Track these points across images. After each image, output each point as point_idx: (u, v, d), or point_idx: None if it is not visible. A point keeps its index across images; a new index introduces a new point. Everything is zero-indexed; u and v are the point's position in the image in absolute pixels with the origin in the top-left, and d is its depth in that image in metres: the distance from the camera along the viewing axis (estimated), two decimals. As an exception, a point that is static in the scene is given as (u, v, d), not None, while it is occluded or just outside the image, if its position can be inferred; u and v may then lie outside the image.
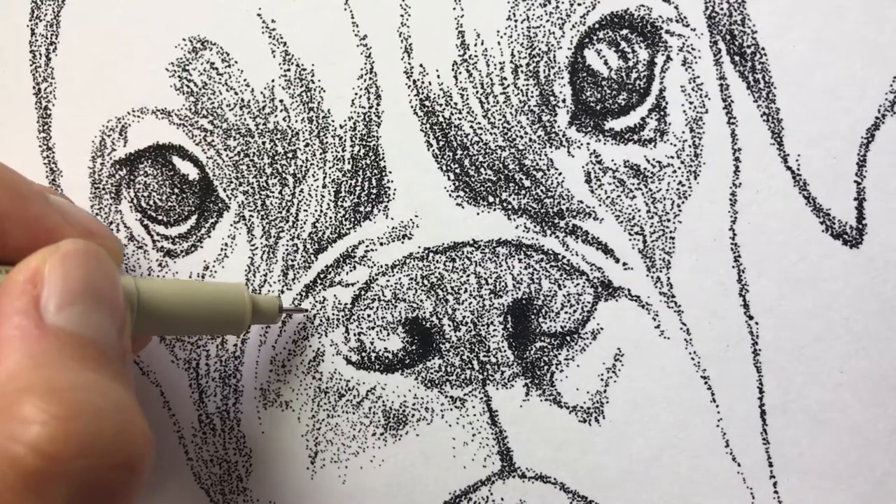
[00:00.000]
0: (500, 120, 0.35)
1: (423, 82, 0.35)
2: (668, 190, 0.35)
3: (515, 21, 0.35)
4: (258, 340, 0.36)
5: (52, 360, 0.23)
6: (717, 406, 0.34)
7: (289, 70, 0.36)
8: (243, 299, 0.32)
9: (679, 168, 0.35)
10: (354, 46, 0.36)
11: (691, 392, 0.34)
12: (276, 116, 0.36)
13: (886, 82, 0.34)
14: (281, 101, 0.36)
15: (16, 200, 0.27)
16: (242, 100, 0.36)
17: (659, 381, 0.34)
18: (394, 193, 0.35)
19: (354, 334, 0.35)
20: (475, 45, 0.35)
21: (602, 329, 0.34)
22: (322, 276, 0.36)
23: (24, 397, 0.22)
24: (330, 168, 0.36)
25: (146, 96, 0.37)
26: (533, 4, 0.35)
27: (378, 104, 0.35)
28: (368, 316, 0.35)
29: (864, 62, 0.34)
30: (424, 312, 0.34)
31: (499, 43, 0.35)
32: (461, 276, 0.34)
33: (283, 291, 0.36)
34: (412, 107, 0.35)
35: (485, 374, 0.34)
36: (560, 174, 0.35)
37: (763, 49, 0.35)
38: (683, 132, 0.35)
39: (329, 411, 0.35)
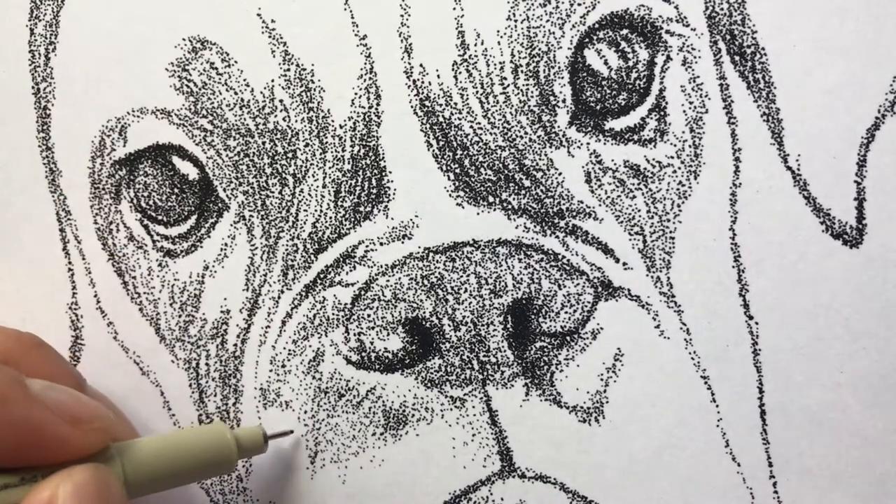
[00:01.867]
0: (500, 120, 0.35)
1: (423, 82, 0.35)
2: (668, 190, 0.35)
3: (515, 21, 0.35)
4: (258, 340, 0.36)
5: None
6: (717, 406, 0.34)
7: (289, 70, 0.36)
8: (227, 441, 0.33)
9: (679, 168, 0.35)
10: (354, 46, 0.36)
11: (691, 392, 0.34)
12: (275, 116, 0.36)
13: (886, 82, 0.34)
14: (281, 101, 0.36)
15: None
16: (242, 100, 0.36)
17: (659, 381, 0.34)
18: (394, 193, 0.35)
19: (354, 334, 0.35)
20: (475, 45, 0.35)
21: (602, 329, 0.34)
22: (322, 276, 0.35)
23: None
24: (330, 168, 0.36)
25: (146, 96, 0.37)
26: (533, 4, 0.35)
27: (378, 104, 0.35)
28: (368, 316, 0.35)
29: (864, 62, 0.34)
30: (424, 312, 0.34)
31: (499, 43, 0.35)
32: (461, 276, 0.34)
33: (283, 291, 0.36)
34: (412, 107, 0.35)
35: (485, 374, 0.34)
36: (560, 174, 0.35)
37: (763, 49, 0.35)
38: (683, 132, 0.35)
39: (329, 411, 0.35)
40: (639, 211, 0.35)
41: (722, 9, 0.35)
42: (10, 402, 0.27)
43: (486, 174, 0.35)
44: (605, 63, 0.35)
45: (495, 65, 0.35)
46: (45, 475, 0.27)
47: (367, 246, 0.35)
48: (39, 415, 0.27)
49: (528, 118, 0.35)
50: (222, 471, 0.33)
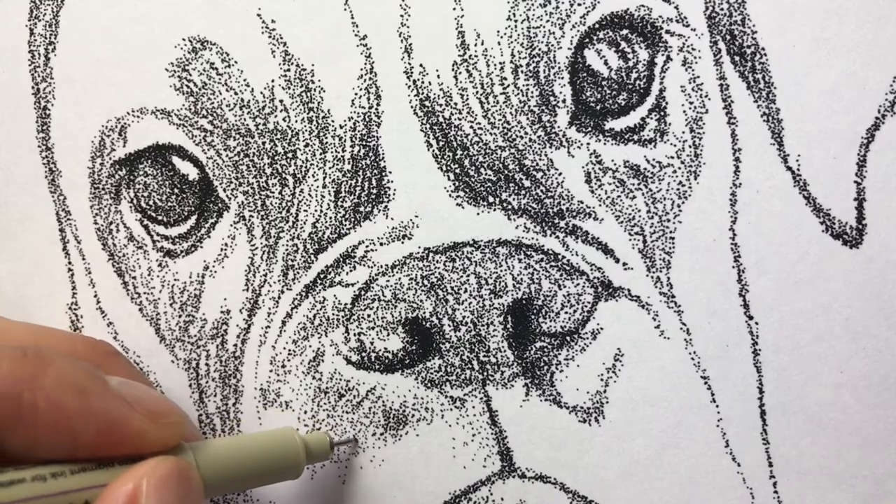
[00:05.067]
0: (500, 120, 0.35)
1: (423, 82, 0.35)
2: (668, 190, 0.35)
3: (515, 21, 0.35)
4: (258, 340, 0.36)
5: None
6: (717, 406, 0.34)
7: (289, 70, 0.36)
8: (296, 446, 0.33)
9: (679, 168, 0.35)
10: (354, 46, 0.36)
11: (691, 392, 0.34)
12: (276, 116, 0.36)
13: (886, 82, 0.34)
14: (281, 101, 0.36)
15: (80, 398, 0.27)
16: (242, 100, 0.36)
17: (659, 381, 0.34)
18: (394, 193, 0.35)
19: (354, 334, 0.35)
20: (475, 45, 0.35)
21: (602, 329, 0.34)
22: (322, 276, 0.35)
23: None
24: (330, 168, 0.36)
25: (146, 96, 0.37)
26: (533, 4, 0.35)
27: (378, 104, 0.35)
28: (368, 316, 0.35)
29: (864, 62, 0.34)
30: (424, 312, 0.34)
31: (499, 43, 0.35)
32: (461, 276, 0.34)
33: (283, 291, 0.36)
34: (412, 107, 0.35)
35: (485, 374, 0.34)
36: (560, 174, 0.35)
37: (763, 49, 0.35)
38: (683, 132, 0.35)
39: (329, 411, 0.35)
40: (639, 211, 0.35)
41: (722, 9, 0.35)
42: (90, 394, 0.27)
43: (486, 174, 0.35)
44: (605, 63, 0.35)
45: (495, 65, 0.35)
46: (122, 464, 0.28)
47: (367, 246, 0.35)
48: (118, 407, 0.28)
49: (528, 118, 0.35)
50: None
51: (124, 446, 0.28)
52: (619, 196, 0.35)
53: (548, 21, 0.35)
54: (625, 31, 0.35)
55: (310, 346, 0.35)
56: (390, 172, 0.35)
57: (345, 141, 0.36)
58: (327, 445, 0.34)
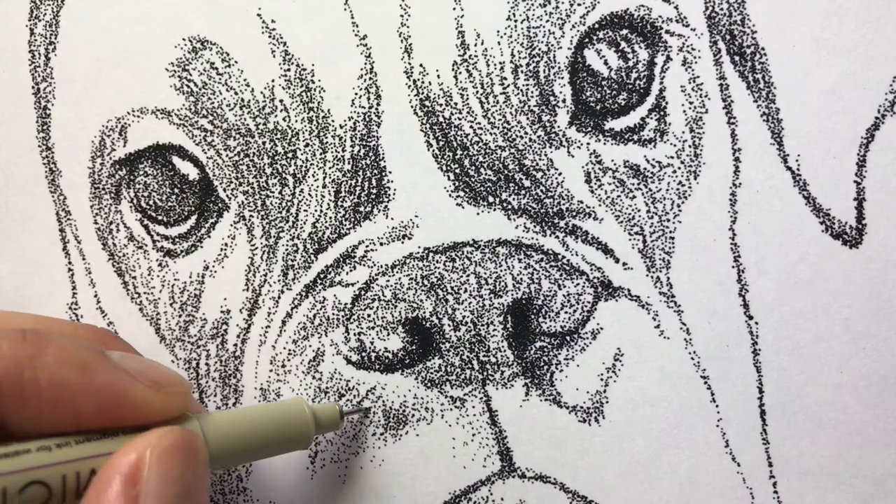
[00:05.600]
0: (500, 120, 0.35)
1: (423, 82, 0.35)
2: (668, 190, 0.35)
3: (515, 21, 0.35)
4: (258, 340, 0.36)
5: None
6: (717, 406, 0.34)
7: (289, 70, 0.36)
8: (304, 415, 0.32)
9: (679, 168, 0.35)
10: (354, 46, 0.36)
11: (691, 392, 0.34)
12: (276, 116, 0.36)
13: (886, 82, 0.34)
14: (281, 101, 0.36)
15: (81, 373, 0.27)
16: (242, 100, 0.36)
17: (659, 381, 0.34)
18: (394, 193, 0.35)
19: (354, 334, 0.35)
20: (475, 45, 0.35)
21: (602, 329, 0.34)
22: (322, 276, 0.36)
23: None
24: (330, 168, 0.36)
25: (146, 96, 0.37)
26: (533, 4, 0.35)
27: (378, 104, 0.35)
28: (368, 316, 0.35)
29: (864, 62, 0.34)
30: (424, 312, 0.34)
31: (499, 43, 0.35)
32: (461, 276, 0.34)
33: (283, 291, 0.36)
34: (412, 107, 0.35)
35: (485, 374, 0.34)
36: (560, 174, 0.35)
37: (763, 49, 0.35)
38: (683, 132, 0.35)
39: (329, 411, 0.35)
40: (639, 211, 0.35)
41: (722, 9, 0.35)
42: (91, 368, 0.27)
43: (486, 174, 0.35)
44: (605, 63, 0.35)
45: (495, 65, 0.35)
46: (128, 433, 0.28)
47: (367, 246, 0.35)
48: (122, 379, 0.28)
49: (528, 118, 0.35)
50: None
51: (129, 418, 0.28)
52: (618, 196, 0.35)
53: (548, 21, 0.35)
54: (625, 31, 0.35)
55: (310, 346, 0.35)
56: (390, 172, 0.35)
57: (345, 141, 0.36)
58: (337, 415, 0.34)
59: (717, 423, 0.34)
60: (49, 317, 0.35)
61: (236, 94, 0.36)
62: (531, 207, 0.35)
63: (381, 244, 0.35)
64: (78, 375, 0.27)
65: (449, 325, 0.34)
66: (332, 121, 0.36)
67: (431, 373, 0.34)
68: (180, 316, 0.37)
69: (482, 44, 0.35)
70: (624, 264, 0.35)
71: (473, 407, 0.35)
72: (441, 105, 0.35)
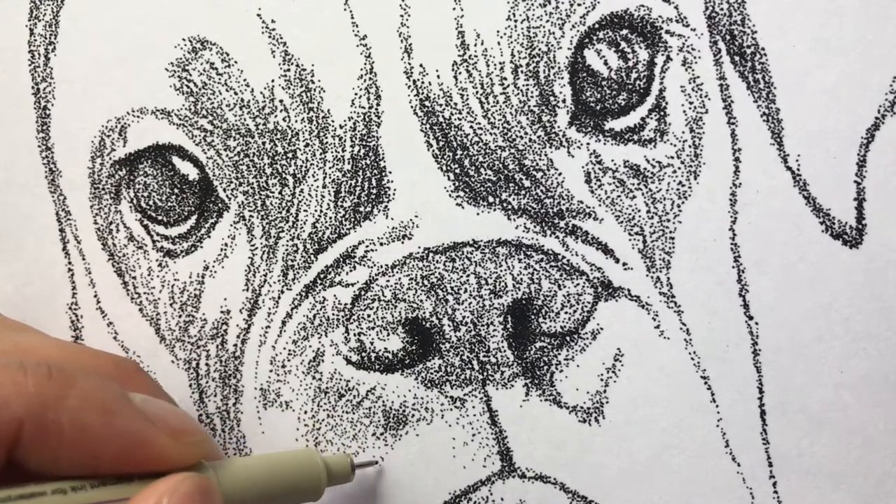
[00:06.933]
0: (500, 120, 0.35)
1: (423, 82, 0.35)
2: (668, 190, 0.35)
3: (515, 21, 0.35)
4: (258, 340, 0.36)
5: None
6: (717, 406, 0.34)
7: (289, 70, 0.36)
8: (317, 468, 0.32)
9: (679, 168, 0.35)
10: (354, 46, 0.36)
11: (691, 392, 0.34)
12: (276, 116, 0.36)
13: (886, 82, 0.34)
14: (281, 101, 0.36)
15: (103, 417, 0.27)
16: (242, 100, 0.36)
17: (659, 381, 0.34)
18: (394, 193, 0.35)
19: (354, 334, 0.35)
20: (475, 45, 0.35)
21: (602, 329, 0.34)
22: (322, 276, 0.36)
23: None
24: (330, 168, 0.36)
25: (146, 96, 0.37)
26: (533, 4, 0.35)
27: (378, 104, 0.35)
28: (368, 316, 0.35)
29: (864, 62, 0.34)
30: (424, 312, 0.34)
31: (499, 43, 0.35)
32: (461, 276, 0.34)
33: (283, 291, 0.36)
34: (412, 107, 0.35)
35: (485, 374, 0.34)
36: (560, 174, 0.35)
37: (763, 49, 0.35)
38: (683, 132, 0.35)
39: (329, 411, 0.35)
40: (639, 211, 0.35)
41: (722, 9, 0.35)
42: (114, 413, 0.27)
43: (486, 174, 0.35)
44: (605, 63, 0.35)
45: (495, 65, 0.35)
46: (142, 479, 0.27)
47: (367, 246, 0.35)
48: (142, 425, 0.28)
49: (528, 118, 0.35)
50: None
51: (146, 464, 0.28)
52: (619, 196, 0.35)
53: (548, 21, 0.35)
54: (625, 31, 0.35)
55: (310, 346, 0.35)
56: (390, 172, 0.35)
57: (345, 141, 0.36)
58: (348, 467, 0.34)
59: (717, 423, 0.34)
60: (74, 344, 0.35)
61: (236, 94, 0.36)
62: (531, 207, 0.35)
63: (381, 244, 0.35)
64: (100, 419, 0.27)
65: (449, 326, 0.34)
66: (332, 121, 0.36)
67: (431, 373, 0.34)
68: (180, 316, 0.37)
69: (482, 44, 0.35)
70: (624, 264, 0.35)
71: (473, 407, 0.35)
72: (441, 105, 0.35)
